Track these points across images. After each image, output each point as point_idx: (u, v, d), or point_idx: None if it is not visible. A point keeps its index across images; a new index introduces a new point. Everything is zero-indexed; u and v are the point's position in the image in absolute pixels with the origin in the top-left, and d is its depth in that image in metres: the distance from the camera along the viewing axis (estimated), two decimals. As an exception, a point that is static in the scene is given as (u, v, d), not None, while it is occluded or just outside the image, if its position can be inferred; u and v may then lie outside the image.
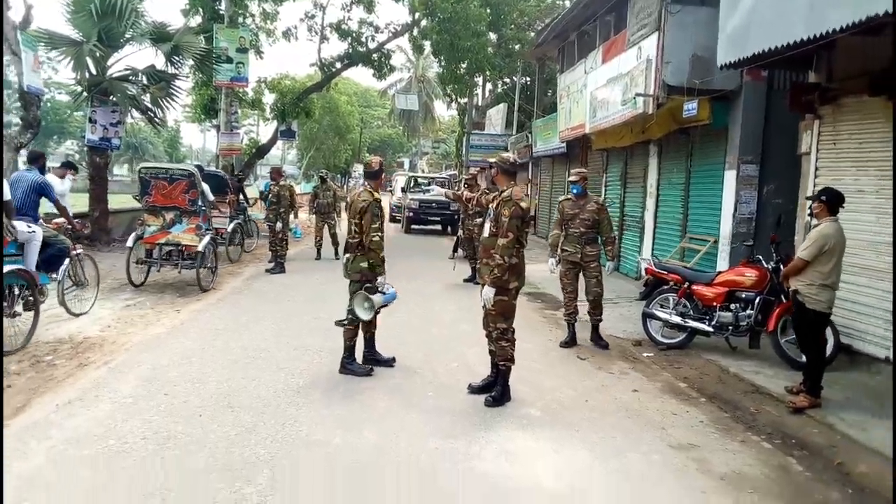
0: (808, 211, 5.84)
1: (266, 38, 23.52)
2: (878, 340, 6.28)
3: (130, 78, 13.97)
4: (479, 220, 10.24)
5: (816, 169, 7.17)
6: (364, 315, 5.68)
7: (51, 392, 5.16)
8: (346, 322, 5.83)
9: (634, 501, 3.74)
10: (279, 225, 12.00)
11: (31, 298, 6.46)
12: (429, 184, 23.79)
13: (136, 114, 15.10)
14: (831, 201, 5.40)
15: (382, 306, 5.87)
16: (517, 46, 22.43)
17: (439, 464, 4.07)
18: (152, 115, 14.43)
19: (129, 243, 9.70)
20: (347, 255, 5.80)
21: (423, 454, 4.20)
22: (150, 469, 3.82)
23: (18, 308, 6.35)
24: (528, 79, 25.95)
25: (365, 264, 5.70)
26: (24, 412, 4.72)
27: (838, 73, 6.84)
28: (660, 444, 4.59)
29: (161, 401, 4.98)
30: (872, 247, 6.35)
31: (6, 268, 5.92)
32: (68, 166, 10.48)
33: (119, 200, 17.54)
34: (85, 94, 13.69)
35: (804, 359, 6.30)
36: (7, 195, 6.14)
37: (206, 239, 9.68)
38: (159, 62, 14.32)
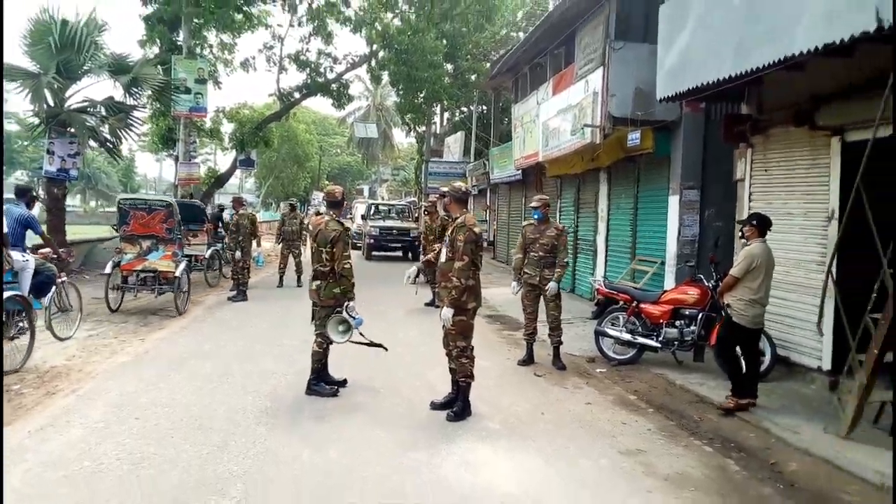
0: (740, 233, 6.32)
1: (224, 68, 23.76)
2: (811, 352, 6.75)
3: (89, 109, 13.99)
4: (437, 247, 10.58)
5: (750, 194, 7.71)
6: (338, 338, 5.92)
7: (21, 419, 5.26)
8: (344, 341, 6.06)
9: (581, 497, 4.04)
10: (238, 253, 12.13)
11: (26, 323, 6.85)
12: (389, 211, 24.09)
13: (93, 144, 15.06)
14: (761, 225, 5.92)
15: (347, 336, 6.09)
16: (473, 77, 23.10)
17: (404, 476, 4.32)
18: (111, 146, 14.45)
19: (108, 270, 10.23)
20: (318, 282, 6.03)
21: (388, 467, 4.45)
22: (128, 487, 3.99)
23: (16, 331, 6.77)
24: (484, 107, 26.63)
25: (338, 290, 5.95)
26: (-5, 439, 4.82)
27: (766, 106, 7.42)
28: (610, 450, 4.93)
29: (132, 424, 5.13)
30: (801, 265, 6.85)
31: (6, 294, 6.32)
32: (30, 194, 10.48)
33: (73, 231, 17.38)
34: (42, 125, 13.65)
35: (745, 369, 6.79)
36: (5, 227, 6.61)
37: (183, 265, 10.31)
38: (117, 93, 14.43)
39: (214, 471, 4.26)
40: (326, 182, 58.69)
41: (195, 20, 19.25)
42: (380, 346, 6.37)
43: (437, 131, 32.44)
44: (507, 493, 4.11)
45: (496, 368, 7.33)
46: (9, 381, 6.25)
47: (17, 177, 65.24)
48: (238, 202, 13.18)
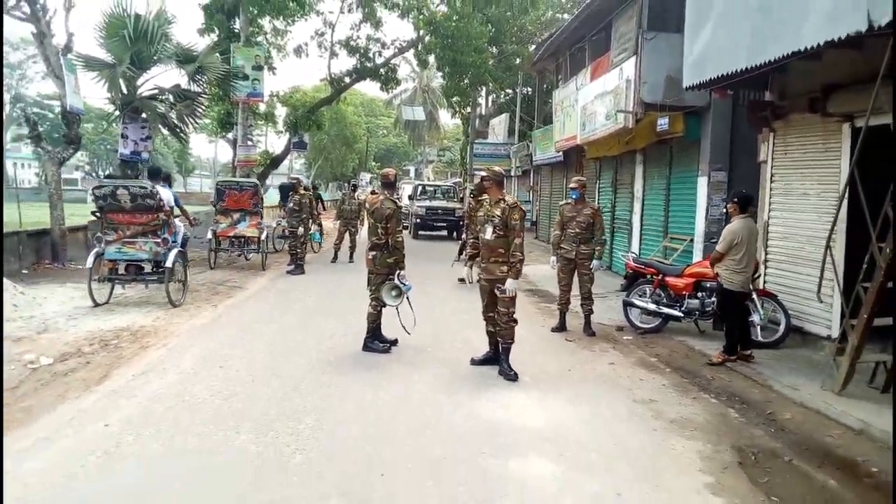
0: (725, 210, 7.02)
1: (277, 54, 24.75)
2: (822, 321, 7.32)
3: (158, 97, 15.11)
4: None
5: (772, 175, 8.25)
6: (392, 302, 6.78)
7: (123, 366, 6.27)
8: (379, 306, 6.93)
9: (598, 434, 4.79)
10: (301, 230, 13.15)
11: (183, 271, 9.72)
12: (435, 191, 24.89)
13: (163, 129, 16.20)
14: (741, 202, 6.63)
15: (400, 298, 6.93)
16: (517, 60, 23.56)
17: (447, 411, 5.16)
18: (178, 130, 15.56)
19: (209, 236, 13.39)
20: (374, 253, 6.88)
21: (433, 405, 5.29)
22: (223, 415, 4.92)
23: (178, 277, 9.58)
24: (528, 89, 27.09)
25: (391, 260, 6.81)
26: (107, 380, 5.82)
27: (787, 93, 7.92)
28: (626, 399, 5.67)
29: (217, 372, 6.08)
30: (814, 241, 7.39)
31: (173, 251, 9.27)
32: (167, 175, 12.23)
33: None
34: (118, 112, 14.81)
35: (759, 337, 7.46)
36: (172, 202, 9.84)
37: (266, 232, 13.46)
38: (183, 81, 15.51)
39: (290, 405, 5.16)
40: (374, 163, 59.86)
41: (252, 9, 20.23)
42: (396, 337, 7.13)
43: (483, 113, 33.00)
44: (531, 426, 4.90)
45: (532, 335, 8.08)
46: (108, 338, 7.32)
47: (78, 158, 68.52)
48: (298, 183, 14.20)
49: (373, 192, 7.72)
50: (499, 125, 29.62)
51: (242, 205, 13.32)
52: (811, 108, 7.21)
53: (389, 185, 7.10)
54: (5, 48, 65.93)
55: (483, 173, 6.60)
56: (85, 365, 6.27)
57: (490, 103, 33.58)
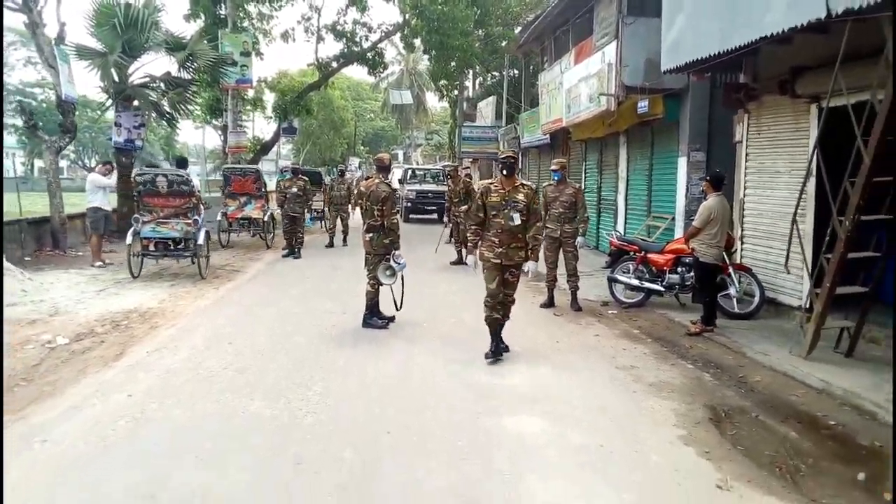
0: (701, 189, 7.48)
1: (263, 39, 24.83)
2: (793, 293, 7.78)
3: (150, 84, 15.34)
4: (463, 208, 11.76)
5: (747, 154, 8.67)
6: (387, 280, 7.15)
7: (137, 345, 6.63)
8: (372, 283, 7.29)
9: (583, 396, 5.23)
10: (306, 215, 13.62)
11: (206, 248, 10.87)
12: (425, 175, 25.22)
13: (155, 116, 16.44)
14: (714, 181, 7.13)
15: (395, 276, 7.31)
16: (504, 43, 23.83)
17: (443, 379, 5.58)
18: (170, 117, 15.81)
19: (218, 217, 14.64)
20: (371, 235, 7.25)
21: (431, 374, 5.72)
22: (237, 385, 5.32)
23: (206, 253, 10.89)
24: (515, 72, 27.31)
25: (387, 241, 7.18)
26: (124, 357, 6.19)
27: (760, 75, 8.33)
28: (608, 366, 6.11)
29: (227, 348, 6.46)
30: (786, 217, 7.75)
31: (203, 228, 10.55)
32: (111, 164, 12.13)
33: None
34: (110, 100, 15.04)
35: (736, 309, 7.92)
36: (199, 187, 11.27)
37: (269, 213, 14.94)
38: (173, 69, 15.73)
39: (298, 376, 5.56)
40: (362, 147, 59.90)
41: (238, -6, 20.34)
42: (394, 313, 7.50)
43: (470, 95, 33.21)
44: (522, 390, 5.33)
45: (521, 311, 8.39)
46: (118, 319, 7.68)
47: (71, 148, 68.20)
48: (296, 172, 14.55)
49: (367, 177, 8.09)
50: (486, 108, 29.86)
51: (247, 189, 14.83)
52: (781, 90, 7.62)
53: (384, 168, 7.46)
54: (-15, 35, 65.52)
55: (503, 157, 6.37)
56: (100, 344, 6.64)
57: (477, 86, 33.77)
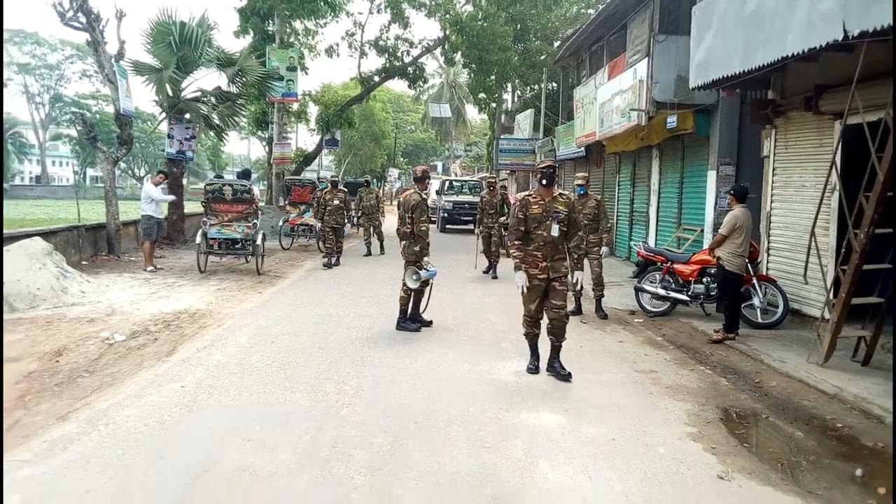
0: (725, 201, 7.74)
1: (308, 53, 25.70)
2: (816, 304, 7.92)
3: (201, 98, 16.12)
4: (501, 220, 12.16)
5: (774, 169, 8.87)
6: (412, 284, 7.56)
7: (188, 342, 7.16)
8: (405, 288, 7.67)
9: (600, 396, 5.54)
10: (348, 226, 14.14)
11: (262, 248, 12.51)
12: (462, 187, 25.64)
13: (207, 129, 17.24)
14: (738, 194, 7.36)
15: (427, 280, 7.72)
16: (542, 56, 24.19)
17: (470, 377, 5.95)
18: (220, 130, 16.57)
19: (280, 223, 17.04)
20: (404, 242, 7.68)
21: (458, 372, 6.09)
22: (280, 378, 5.77)
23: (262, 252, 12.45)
24: (553, 85, 27.63)
25: (417, 248, 7.59)
26: (176, 353, 6.70)
27: (787, 92, 8.54)
28: (629, 370, 6.40)
29: (270, 346, 6.94)
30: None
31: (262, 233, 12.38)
32: (164, 174, 12.84)
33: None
34: (164, 113, 15.85)
35: (759, 319, 8.12)
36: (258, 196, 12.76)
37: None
38: (223, 83, 16.52)
39: (335, 372, 6.00)
40: (402, 159, 60.71)
41: (286, 11, 21.15)
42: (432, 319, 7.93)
43: (508, 108, 33.61)
44: (542, 389, 5.67)
45: (549, 317, 8.83)
46: (169, 319, 8.24)
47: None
48: (334, 184, 15.08)
49: (402, 189, 8.53)
50: (524, 120, 30.17)
51: (305, 198, 17.00)
52: (806, 107, 7.83)
53: (419, 179, 7.88)
54: (44, 49, 68.46)
55: (546, 163, 6.18)
56: (154, 341, 7.18)
57: (516, 99, 34.16)
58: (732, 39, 7.37)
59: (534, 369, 6.06)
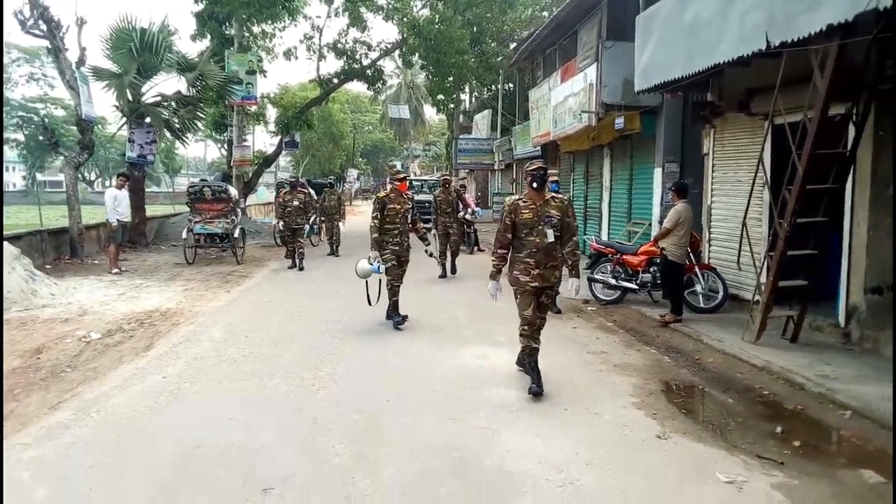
0: (669, 196, 8.36)
1: (266, 56, 25.79)
2: (751, 288, 8.56)
3: (162, 103, 16.25)
4: (460, 216, 12.57)
5: (713, 166, 9.55)
6: (358, 274, 7.80)
7: (163, 338, 7.48)
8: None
9: (555, 374, 6.04)
10: (307, 228, 14.38)
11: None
12: (422, 186, 26.09)
13: (166, 133, 17.34)
14: (679, 190, 7.98)
15: (367, 275, 7.78)
16: (499, 59, 24.79)
17: (436, 363, 6.42)
18: (181, 133, 16.71)
19: (274, 222, 16.75)
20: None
21: (425, 359, 6.56)
22: (258, 366, 6.16)
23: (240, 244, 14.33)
24: (510, 85, 28.27)
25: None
26: (153, 349, 7.02)
27: (723, 94, 9.22)
28: (581, 351, 6.96)
29: (244, 339, 7.30)
30: (747, 222, 8.68)
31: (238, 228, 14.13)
32: (125, 177, 12.97)
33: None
34: (125, 118, 15.94)
35: (702, 304, 8.77)
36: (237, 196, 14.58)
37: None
38: (183, 88, 16.67)
39: (309, 360, 6.41)
40: (360, 159, 60.83)
41: (244, 15, 21.24)
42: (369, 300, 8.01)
43: (466, 108, 34.19)
44: (501, 370, 6.17)
45: (509, 308, 9.32)
46: (142, 318, 8.51)
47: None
48: (294, 185, 15.32)
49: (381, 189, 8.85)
50: (482, 121, 30.78)
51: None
52: (740, 108, 8.51)
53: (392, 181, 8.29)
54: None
55: (549, 170, 5.98)
56: (129, 338, 7.47)
57: (473, 100, 34.76)
58: (672, 47, 7.99)
59: (537, 389, 5.41)
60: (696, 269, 8.83)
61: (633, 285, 9.37)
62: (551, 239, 5.47)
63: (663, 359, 6.77)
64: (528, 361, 5.72)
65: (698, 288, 8.87)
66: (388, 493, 3.69)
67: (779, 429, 4.76)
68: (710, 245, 9.60)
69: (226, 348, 6.90)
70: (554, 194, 5.73)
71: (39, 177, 72.98)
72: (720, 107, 9.23)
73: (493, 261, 5.78)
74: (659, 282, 9.16)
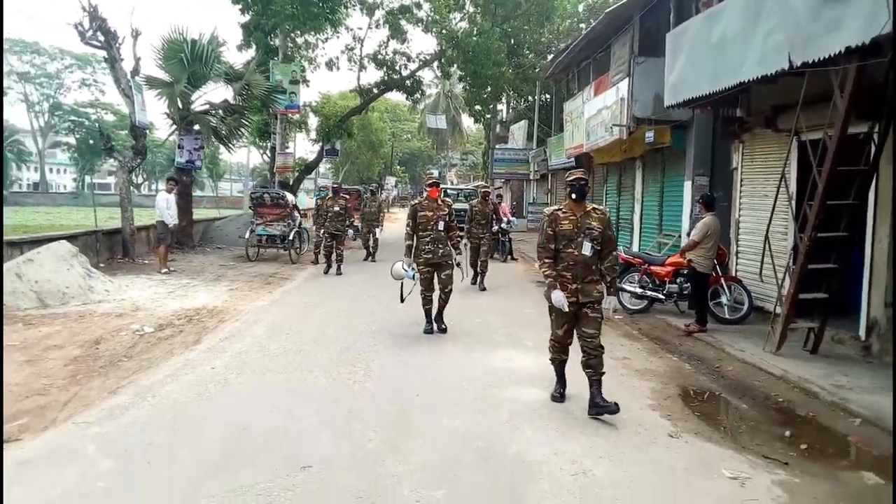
0: (697, 209, 8.55)
1: (309, 66, 26.56)
2: (774, 300, 8.76)
3: (210, 111, 16.98)
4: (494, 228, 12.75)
5: (741, 180, 9.75)
6: (392, 276, 8.15)
7: (210, 333, 7.97)
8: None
9: (577, 377, 6.33)
10: (350, 232, 14.67)
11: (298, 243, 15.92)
12: (458, 195, 26.52)
13: (213, 140, 18.07)
14: (706, 203, 8.17)
15: (401, 278, 8.05)
16: (535, 70, 25.13)
17: (466, 363, 6.79)
18: (227, 140, 17.42)
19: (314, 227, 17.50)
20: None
21: (456, 359, 6.93)
22: (298, 360, 6.61)
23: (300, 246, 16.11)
24: (547, 96, 28.56)
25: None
26: (201, 343, 7.52)
27: (752, 111, 9.43)
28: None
29: (285, 337, 7.76)
30: (773, 235, 8.84)
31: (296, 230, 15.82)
32: (174, 181, 13.65)
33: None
34: (175, 125, 16.70)
35: (727, 315, 8.97)
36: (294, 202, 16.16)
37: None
38: (229, 96, 17.37)
39: (346, 357, 6.83)
40: (398, 167, 61.62)
41: (288, 26, 21.99)
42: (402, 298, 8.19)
43: (503, 118, 34.57)
44: (526, 372, 6.50)
45: (539, 315, 9.65)
46: (190, 314, 9.05)
47: (112, 164, 71.65)
48: (337, 191, 15.85)
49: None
50: (518, 131, 31.11)
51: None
52: (766, 124, 8.72)
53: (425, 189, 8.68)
54: (44, 59, 69.30)
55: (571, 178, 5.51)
56: (179, 332, 7.99)
57: (510, 110, 35.12)
58: (700, 64, 8.25)
59: (559, 397, 5.59)
60: (723, 280, 9.03)
61: (659, 295, 9.61)
62: (589, 252, 5.24)
63: (684, 366, 7.02)
64: (556, 369, 5.73)
65: (724, 299, 9.08)
66: (415, 475, 4.06)
67: (788, 433, 5.01)
68: (737, 258, 9.79)
69: (268, 344, 7.36)
70: (595, 206, 5.50)
71: (89, 179, 75.72)
72: (748, 122, 9.44)
73: (545, 271, 5.44)
74: (685, 292, 9.39)
